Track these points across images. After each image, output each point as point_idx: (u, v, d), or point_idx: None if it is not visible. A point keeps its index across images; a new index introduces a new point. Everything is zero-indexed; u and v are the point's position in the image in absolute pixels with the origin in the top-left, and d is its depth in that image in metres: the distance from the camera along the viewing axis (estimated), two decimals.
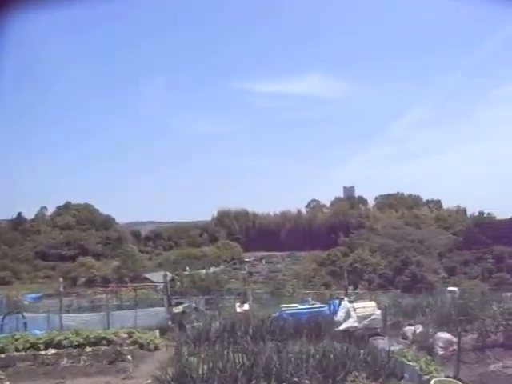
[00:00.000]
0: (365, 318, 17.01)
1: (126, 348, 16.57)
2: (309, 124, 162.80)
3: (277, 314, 18.77)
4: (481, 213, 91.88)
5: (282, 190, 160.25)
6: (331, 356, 13.06)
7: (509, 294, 25.95)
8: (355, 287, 49.27)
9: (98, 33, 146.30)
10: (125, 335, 17.47)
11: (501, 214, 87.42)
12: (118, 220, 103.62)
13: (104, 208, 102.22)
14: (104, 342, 16.80)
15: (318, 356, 13.04)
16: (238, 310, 21.37)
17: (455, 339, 16.46)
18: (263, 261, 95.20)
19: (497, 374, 15.21)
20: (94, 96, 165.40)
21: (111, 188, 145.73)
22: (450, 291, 41.96)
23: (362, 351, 14.09)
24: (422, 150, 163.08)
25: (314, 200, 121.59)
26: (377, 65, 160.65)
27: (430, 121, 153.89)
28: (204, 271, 60.54)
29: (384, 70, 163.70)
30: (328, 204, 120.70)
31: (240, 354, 13.70)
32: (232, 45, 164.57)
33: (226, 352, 13.96)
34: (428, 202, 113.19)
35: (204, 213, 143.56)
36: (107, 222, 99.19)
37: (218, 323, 18.63)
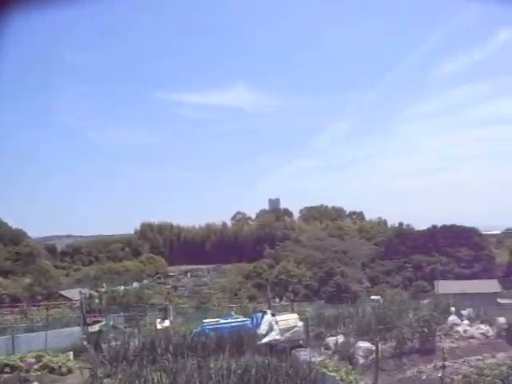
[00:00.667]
0: (287, 330, 17.13)
1: (33, 374, 15.45)
2: (234, 136, 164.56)
3: (198, 329, 18.43)
4: (400, 224, 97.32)
5: (207, 203, 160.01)
6: (253, 370, 12.98)
7: (425, 301, 27.41)
8: (281, 299, 49.91)
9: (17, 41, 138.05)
10: (32, 360, 16.30)
11: (419, 225, 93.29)
12: (30, 234, 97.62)
13: (14, 222, 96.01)
14: (7, 369, 15.53)
15: (239, 371, 12.91)
16: (159, 326, 20.76)
17: (375, 348, 17.06)
18: (188, 274, 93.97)
19: (412, 380, 15.96)
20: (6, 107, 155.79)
21: (23, 201, 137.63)
22: (373, 300, 43.93)
23: (283, 364, 14.15)
24: (344, 163, 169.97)
25: (239, 212, 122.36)
26: (300, 78, 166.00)
27: (352, 135, 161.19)
28: (122, 287, 58.43)
29: (308, 84, 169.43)
30: (254, 216, 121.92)
31: (159, 373, 13.29)
32: (158, 57, 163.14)
33: (144, 371, 13.47)
34: (351, 213, 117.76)
35: (126, 226, 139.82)
36: (17, 237, 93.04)
37: (137, 341, 17.92)
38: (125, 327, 23.95)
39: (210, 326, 17.96)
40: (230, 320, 19.24)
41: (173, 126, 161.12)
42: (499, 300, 41.24)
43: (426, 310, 20.30)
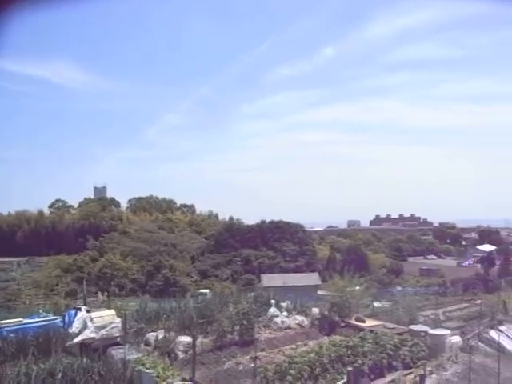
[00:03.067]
0: (103, 327, 16.54)
1: None
2: (58, 115, 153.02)
3: None
4: (231, 218, 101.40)
5: (20, 187, 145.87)
6: (59, 374, 12.24)
7: (252, 294, 28.99)
8: (103, 294, 48.01)
9: None
10: None
11: (248, 220, 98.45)
12: None
13: None
14: None
15: (42, 376, 12.05)
16: None
17: (195, 341, 17.48)
18: None
19: (230, 372, 16.80)
20: None
21: None
22: (202, 293, 45.10)
23: (96, 364, 13.65)
24: (177, 155, 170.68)
25: (59, 200, 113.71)
26: (137, 66, 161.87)
27: (184, 128, 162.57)
28: None
29: (144, 72, 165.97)
30: (76, 205, 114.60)
31: None
32: None
33: None
34: (182, 206, 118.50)
35: None
36: None
37: None
38: None
39: (10, 328, 16.35)
40: (36, 319, 17.79)
41: None
42: (319, 292, 45.47)
43: (245, 303, 21.44)
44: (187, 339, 17.96)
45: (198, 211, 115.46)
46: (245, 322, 19.30)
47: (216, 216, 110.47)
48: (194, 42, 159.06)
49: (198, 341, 17.75)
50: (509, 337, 22.50)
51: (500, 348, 20.37)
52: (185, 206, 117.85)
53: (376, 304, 41.34)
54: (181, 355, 17.69)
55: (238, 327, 19.34)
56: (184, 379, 14.59)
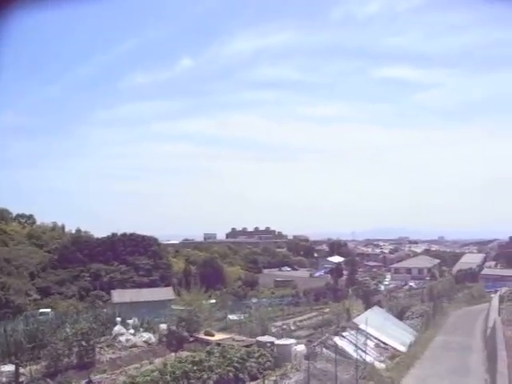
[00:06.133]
0: None
1: None
2: None
3: None
4: (78, 230, 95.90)
5: None
6: None
7: (104, 310, 27.73)
8: None
9: None
10: None
11: (98, 233, 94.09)
12: None
13: None
14: None
15: None
16: None
17: (23, 369, 16.07)
18: None
19: None
20: None
21: None
22: (43, 313, 41.79)
23: None
24: (13, 160, 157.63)
25: None
26: None
27: (23, 129, 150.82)
28: None
29: None
30: None
31: None
32: None
33: None
34: (18, 216, 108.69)
35: None
36: None
37: None
38: None
39: None
40: None
41: None
42: (173, 307, 45.09)
43: (85, 323, 20.36)
44: (11, 368, 16.35)
45: (39, 222, 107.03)
46: (84, 343, 18.29)
47: (61, 228, 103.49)
48: (46, 32, 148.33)
49: (27, 369, 16.34)
50: (350, 342, 24.35)
51: (342, 352, 21.92)
52: (22, 216, 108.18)
53: (231, 316, 42.34)
54: None
55: (76, 349, 18.26)
56: None
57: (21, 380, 16.01)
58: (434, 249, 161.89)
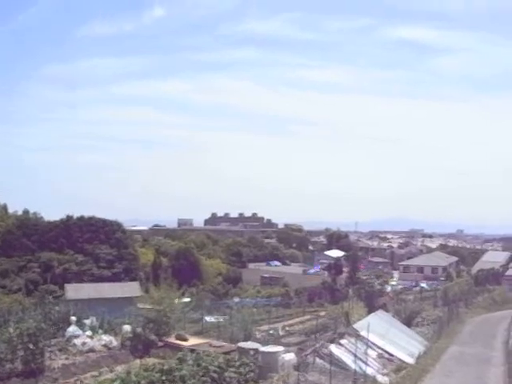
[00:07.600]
0: None
1: None
2: None
3: None
4: (26, 212, 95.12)
5: None
6: None
7: (57, 307, 27.67)
8: None
9: None
10: None
11: (50, 215, 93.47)
12: None
13: None
14: None
15: None
16: None
17: None
18: None
19: None
20: None
21: None
22: None
23: None
24: None
25: None
26: None
27: None
28: None
29: None
30: None
31: None
32: None
33: None
34: None
35: None
36: None
37: None
38: None
39: None
40: None
41: None
42: (139, 305, 45.25)
43: (32, 322, 20.38)
44: None
45: None
46: (31, 346, 18.38)
47: (4, 208, 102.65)
48: None
49: None
50: (349, 351, 24.65)
51: (338, 363, 22.21)
52: None
53: (208, 318, 42.61)
54: None
55: (21, 353, 18.36)
56: None
57: None
58: (451, 244, 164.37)
